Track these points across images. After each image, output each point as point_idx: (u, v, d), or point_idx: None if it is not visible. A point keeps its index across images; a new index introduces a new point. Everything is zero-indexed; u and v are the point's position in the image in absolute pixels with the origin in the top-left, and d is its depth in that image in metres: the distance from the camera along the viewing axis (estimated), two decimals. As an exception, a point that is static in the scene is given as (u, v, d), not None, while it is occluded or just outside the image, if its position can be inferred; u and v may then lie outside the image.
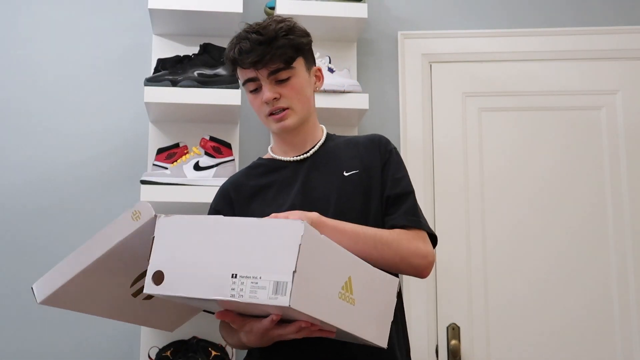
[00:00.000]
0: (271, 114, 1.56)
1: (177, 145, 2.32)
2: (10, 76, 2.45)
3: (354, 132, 2.49)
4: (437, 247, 2.63)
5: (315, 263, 1.06)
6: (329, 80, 2.32)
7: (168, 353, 2.18)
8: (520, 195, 2.53)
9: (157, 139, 2.40)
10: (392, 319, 1.29)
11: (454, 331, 2.43)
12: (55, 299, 1.26)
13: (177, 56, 2.34)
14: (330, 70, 2.36)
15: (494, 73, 2.61)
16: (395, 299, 1.30)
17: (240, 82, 1.61)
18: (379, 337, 1.25)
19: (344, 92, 2.33)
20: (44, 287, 1.25)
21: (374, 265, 1.39)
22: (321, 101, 2.29)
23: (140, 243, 1.15)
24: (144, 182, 2.18)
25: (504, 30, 2.63)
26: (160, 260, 1.11)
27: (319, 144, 1.63)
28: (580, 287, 2.47)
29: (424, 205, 2.47)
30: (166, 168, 2.25)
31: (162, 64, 2.31)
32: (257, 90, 1.57)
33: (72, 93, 2.47)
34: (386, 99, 2.59)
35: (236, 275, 1.04)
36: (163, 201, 2.18)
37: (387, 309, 1.28)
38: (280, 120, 1.56)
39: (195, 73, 2.28)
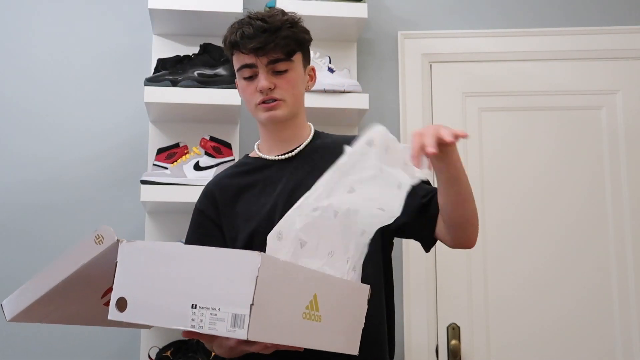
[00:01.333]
0: (262, 103, 1.55)
1: (177, 145, 2.32)
2: (10, 76, 2.45)
3: (354, 132, 2.49)
4: (436, 246, 2.63)
5: (275, 291, 1.06)
6: (329, 80, 2.32)
7: (168, 353, 2.18)
8: (520, 195, 2.53)
9: (157, 139, 2.40)
10: (362, 326, 1.27)
11: (454, 331, 2.43)
12: (24, 317, 1.27)
13: (177, 56, 2.34)
14: (330, 70, 2.36)
15: (494, 73, 2.61)
16: (366, 306, 1.28)
17: (235, 67, 1.59)
18: (349, 346, 1.25)
19: (344, 92, 2.33)
20: (12, 306, 1.26)
21: (453, 214, 1.43)
22: (321, 101, 2.30)
23: (105, 265, 1.16)
24: (144, 182, 2.18)
25: (504, 30, 2.63)
26: (123, 287, 1.12)
27: (305, 143, 1.62)
28: (580, 287, 2.47)
29: (424, 205, 2.47)
30: (166, 168, 2.26)
31: (162, 64, 2.31)
32: (251, 78, 1.56)
33: (72, 93, 2.47)
34: (386, 99, 2.59)
35: (196, 305, 1.04)
36: (163, 201, 2.18)
37: (357, 318, 1.27)
38: (270, 109, 1.54)
39: (195, 73, 2.28)
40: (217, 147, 2.27)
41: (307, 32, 1.61)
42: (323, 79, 2.31)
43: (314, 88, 2.24)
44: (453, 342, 2.41)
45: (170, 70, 2.29)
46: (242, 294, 1.01)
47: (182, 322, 1.05)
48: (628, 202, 2.50)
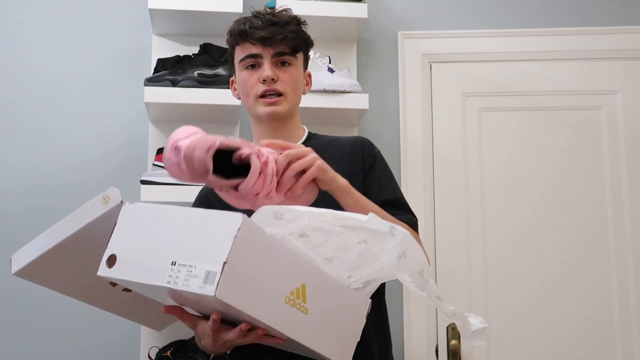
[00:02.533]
0: (263, 96, 1.55)
1: (177, 145, 2.32)
2: (10, 76, 2.45)
3: (354, 132, 2.49)
4: (436, 247, 2.64)
5: (254, 259, 1.06)
6: (329, 80, 2.32)
7: (168, 353, 2.18)
8: (520, 195, 2.53)
9: (157, 139, 2.41)
10: (358, 339, 1.25)
11: (454, 331, 2.43)
12: (29, 273, 1.29)
13: (177, 56, 2.34)
14: (330, 70, 2.36)
15: (494, 73, 2.61)
16: (365, 320, 1.26)
17: (237, 59, 1.59)
18: (340, 355, 1.22)
19: (344, 92, 2.33)
20: (19, 259, 1.28)
21: None
22: (321, 101, 2.30)
23: (108, 227, 1.18)
24: (144, 182, 2.18)
25: (504, 30, 2.63)
26: (116, 245, 1.14)
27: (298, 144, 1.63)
28: (579, 287, 2.47)
29: (424, 205, 2.47)
30: (166, 168, 2.26)
31: (162, 64, 2.32)
32: (254, 67, 1.57)
33: (72, 93, 2.47)
34: (386, 99, 2.59)
35: (175, 262, 1.05)
36: (163, 201, 2.18)
37: (353, 329, 1.25)
38: (272, 104, 1.55)
39: (195, 73, 2.28)
40: (217, 147, 2.27)
41: (310, 36, 1.64)
42: (323, 79, 2.31)
43: (314, 88, 2.26)
44: (453, 342, 2.41)
45: (170, 70, 2.29)
46: (218, 251, 1.02)
47: (159, 277, 1.06)
48: (628, 202, 2.50)
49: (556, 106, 2.58)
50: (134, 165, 2.42)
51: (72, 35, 2.50)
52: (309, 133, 1.67)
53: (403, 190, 2.50)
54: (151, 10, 2.29)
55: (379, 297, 1.58)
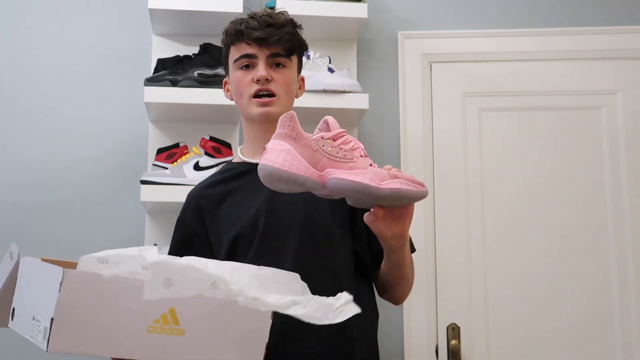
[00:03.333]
0: (257, 96, 1.55)
1: (177, 145, 2.32)
2: (10, 76, 2.45)
3: (354, 133, 2.49)
4: (436, 246, 2.64)
5: (90, 305, 1.08)
6: (329, 80, 2.32)
7: (168, 353, 2.18)
8: (520, 195, 2.53)
9: (157, 139, 2.41)
10: (266, 340, 1.20)
11: (454, 331, 2.43)
12: None
13: (177, 56, 2.34)
14: (330, 70, 2.36)
15: (494, 73, 2.61)
16: (270, 319, 1.21)
17: (232, 59, 1.60)
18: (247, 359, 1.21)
19: (344, 92, 2.33)
20: None
21: (386, 272, 1.47)
22: (321, 101, 2.30)
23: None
24: (144, 182, 2.18)
25: (504, 30, 2.63)
26: (15, 299, 1.21)
27: None
28: (580, 286, 2.47)
29: (424, 205, 2.47)
30: (166, 168, 2.26)
31: (162, 64, 2.32)
32: (248, 67, 1.57)
33: (72, 93, 2.47)
34: (386, 99, 2.59)
35: (34, 317, 1.11)
36: (163, 201, 2.18)
37: (256, 329, 1.21)
38: (265, 105, 1.55)
39: (195, 73, 2.28)
40: (217, 147, 2.27)
41: (304, 40, 1.65)
42: (323, 79, 2.31)
43: (314, 88, 2.27)
44: (453, 342, 2.41)
45: (170, 70, 2.29)
46: (48, 307, 1.07)
47: (28, 332, 1.12)
48: (628, 202, 2.50)
49: (556, 106, 2.58)
50: (134, 165, 2.42)
51: (73, 35, 2.50)
52: None
53: (403, 190, 2.51)
54: (151, 10, 2.29)
55: (372, 302, 1.58)
